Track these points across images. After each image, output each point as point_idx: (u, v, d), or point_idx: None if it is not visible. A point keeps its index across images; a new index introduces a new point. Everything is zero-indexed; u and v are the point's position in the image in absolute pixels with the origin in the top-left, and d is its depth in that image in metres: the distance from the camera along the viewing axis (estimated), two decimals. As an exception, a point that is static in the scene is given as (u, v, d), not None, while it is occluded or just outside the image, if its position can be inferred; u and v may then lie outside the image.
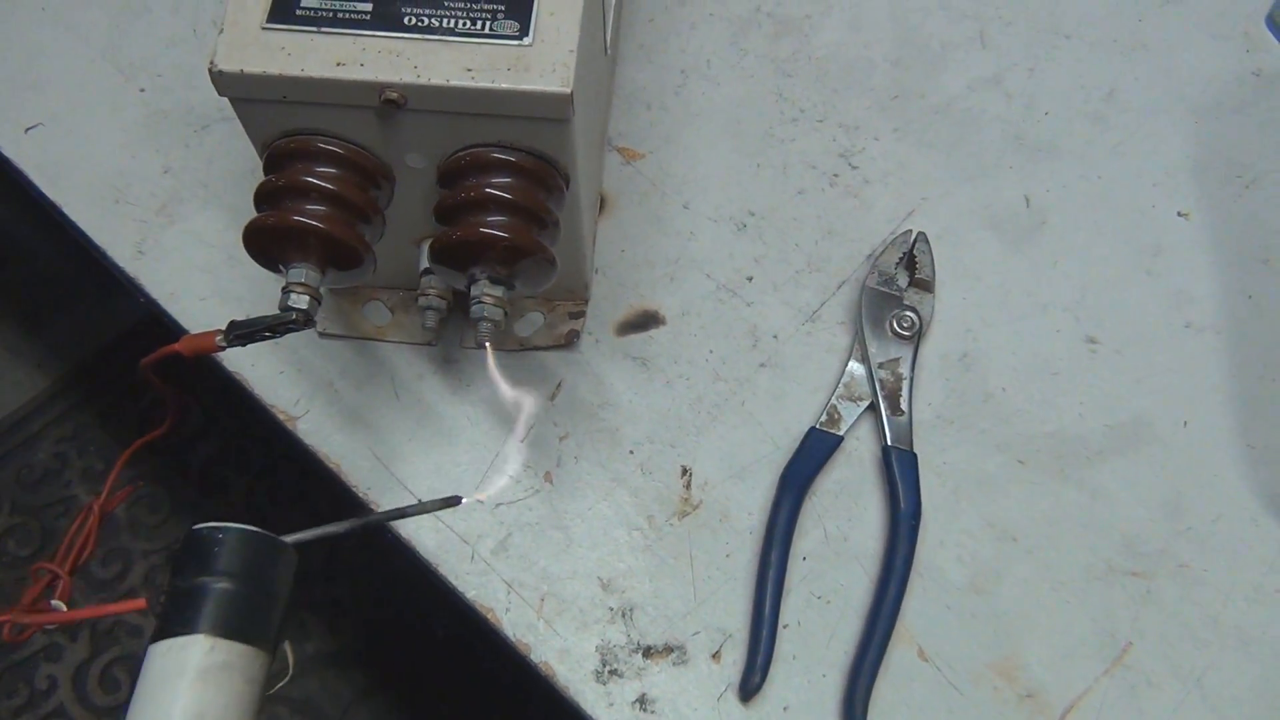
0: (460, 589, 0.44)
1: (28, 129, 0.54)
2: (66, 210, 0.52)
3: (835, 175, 0.53)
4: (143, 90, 0.55)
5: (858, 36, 0.57)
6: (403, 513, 0.40)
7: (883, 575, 0.44)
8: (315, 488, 1.18)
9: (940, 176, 0.53)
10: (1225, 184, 0.53)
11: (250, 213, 0.51)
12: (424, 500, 0.41)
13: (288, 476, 1.21)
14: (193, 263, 0.51)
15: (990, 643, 0.44)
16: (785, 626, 0.43)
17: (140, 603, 0.35)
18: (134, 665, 1.13)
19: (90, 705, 1.12)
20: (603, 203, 0.53)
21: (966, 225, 0.52)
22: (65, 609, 0.47)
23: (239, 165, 0.53)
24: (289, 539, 0.35)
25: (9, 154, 0.53)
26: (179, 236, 0.51)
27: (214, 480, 1.25)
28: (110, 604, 0.35)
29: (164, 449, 1.28)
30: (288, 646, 0.36)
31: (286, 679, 0.38)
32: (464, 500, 0.39)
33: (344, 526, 0.39)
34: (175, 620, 0.32)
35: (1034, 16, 0.57)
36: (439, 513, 0.45)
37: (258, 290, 0.50)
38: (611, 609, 0.44)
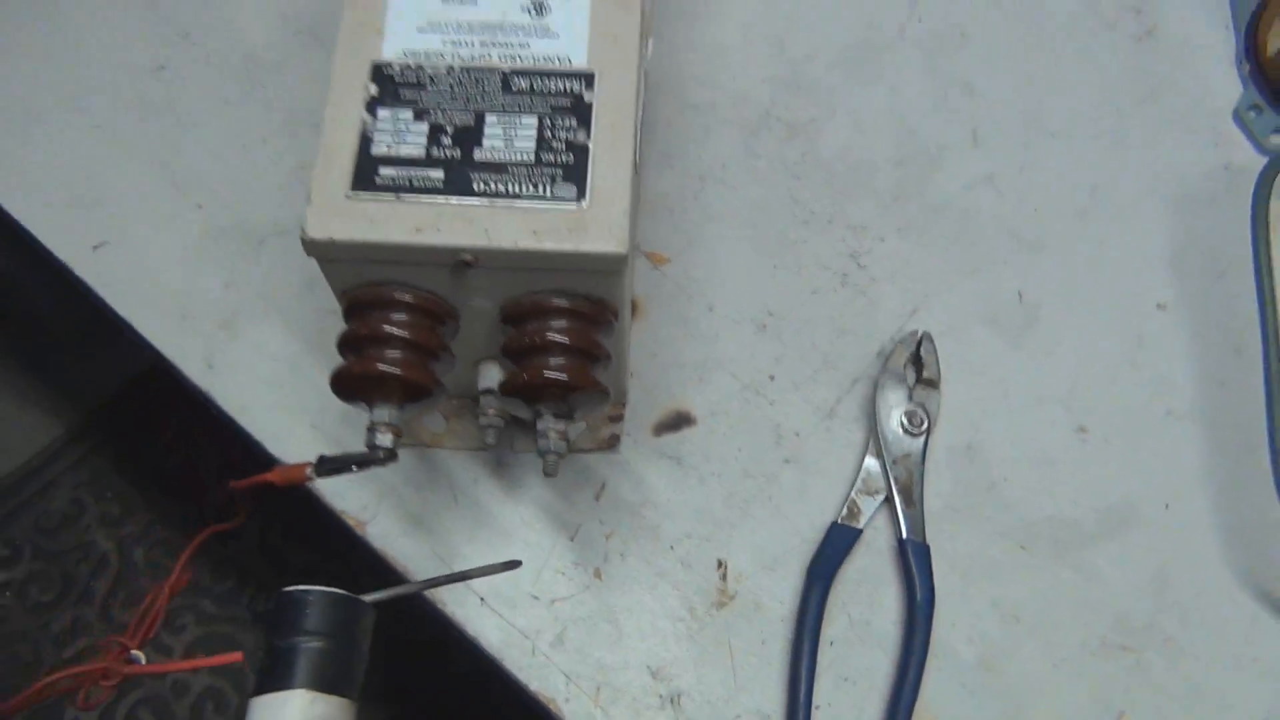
0: (524, 681, 0.48)
1: (95, 247, 0.58)
2: (137, 326, 0.56)
3: (845, 274, 0.58)
4: (200, 206, 0.59)
5: (861, 139, 0.62)
6: (467, 575, 0.45)
7: (902, 657, 0.49)
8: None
9: (941, 273, 0.58)
10: (1200, 275, 0.58)
11: (308, 325, 0.56)
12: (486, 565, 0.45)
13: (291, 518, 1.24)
14: (259, 375, 0.55)
15: (1000, 716, 0.49)
16: (818, 708, 0.48)
17: (237, 656, 0.39)
18: (158, 706, 1.16)
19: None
20: (635, 308, 0.57)
21: (966, 321, 0.57)
22: (144, 661, 0.50)
23: (296, 278, 0.57)
24: (368, 598, 0.40)
25: (80, 273, 0.57)
26: (244, 350, 0.55)
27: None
28: (209, 658, 0.40)
29: (176, 490, 1.31)
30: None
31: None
32: (522, 563, 0.44)
33: (415, 588, 0.45)
34: (275, 676, 0.37)
35: (1021, 116, 0.62)
36: (504, 611, 0.49)
37: (320, 400, 0.54)
38: (661, 696, 0.48)
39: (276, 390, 0.55)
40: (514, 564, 0.45)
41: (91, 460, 1.31)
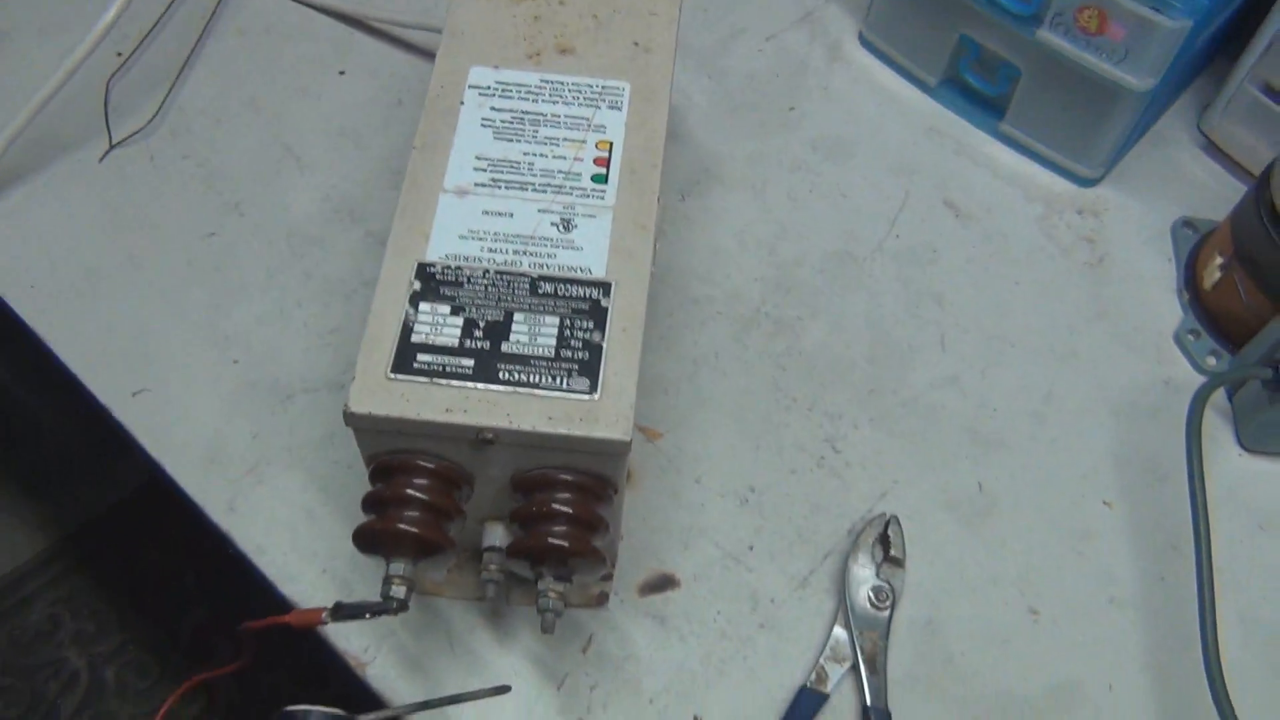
0: (509, 827, 0.52)
1: (134, 394, 0.63)
2: (168, 470, 0.60)
3: (822, 457, 0.64)
4: (236, 362, 0.64)
5: (839, 337, 0.68)
6: (458, 698, 0.48)
7: (863, 822, 0.53)
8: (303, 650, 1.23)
9: (909, 461, 0.64)
10: (1141, 478, 0.64)
11: (326, 476, 0.61)
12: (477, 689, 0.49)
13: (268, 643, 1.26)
14: (277, 519, 0.59)
15: None
16: None
17: None
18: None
19: None
20: (629, 476, 0.62)
21: (930, 507, 0.63)
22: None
23: (318, 433, 0.62)
24: (361, 718, 0.43)
25: (119, 416, 0.62)
26: (265, 495, 0.60)
27: (201, 647, 1.30)
28: None
29: (153, 611, 1.32)
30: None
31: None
32: (511, 689, 0.47)
33: (407, 710, 0.48)
34: None
35: (984, 326, 0.69)
36: (493, 760, 0.53)
37: (331, 547, 0.59)
38: None
39: (292, 535, 0.59)
40: (503, 689, 0.48)
41: (70, 578, 1.33)
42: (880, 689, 0.56)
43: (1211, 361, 0.68)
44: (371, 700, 0.55)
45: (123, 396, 0.63)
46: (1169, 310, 0.71)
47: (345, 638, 0.56)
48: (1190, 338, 0.69)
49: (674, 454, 0.63)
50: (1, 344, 0.74)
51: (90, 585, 1.33)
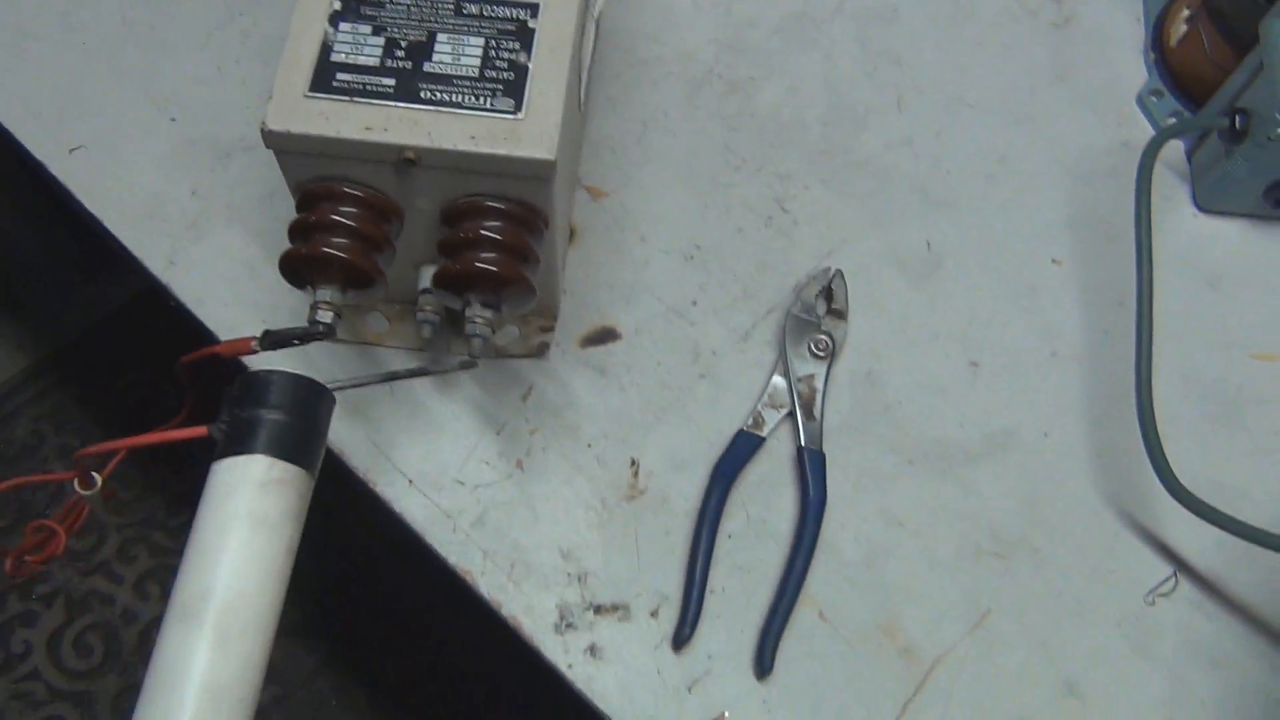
0: (443, 554, 0.53)
1: (71, 150, 0.62)
2: (106, 223, 0.60)
3: (770, 217, 0.63)
4: (173, 120, 0.63)
5: (794, 99, 0.67)
6: (426, 371, 0.50)
7: (793, 551, 0.54)
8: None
9: (858, 222, 0.63)
10: (1093, 237, 0.64)
11: (267, 233, 0.60)
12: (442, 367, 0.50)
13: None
14: (218, 274, 0.59)
15: (878, 607, 0.54)
16: (712, 592, 0.53)
17: (202, 430, 0.40)
18: (107, 632, 1.20)
19: (65, 669, 1.19)
20: (572, 233, 0.62)
21: (877, 264, 0.62)
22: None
23: (258, 190, 0.61)
24: (330, 385, 0.43)
25: (54, 171, 0.61)
26: (206, 251, 0.60)
27: (183, 458, 1.32)
28: (173, 431, 0.42)
29: (136, 426, 1.34)
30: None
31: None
32: (477, 364, 0.48)
33: (375, 379, 0.49)
34: (238, 442, 0.39)
35: (943, 87, 0.68)
36: (430, 492, 0.54)
37: (273, 299, 0.59)
38: (569, 574, 0.53)
39: (233, 288, 0.59)
40: (471, 363, 0.49)
41: (53, 395, 1.34)
42: (815, 433, 0.57)
43: (1172, 122, 0.66)
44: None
45: (59, 153, 0.62)
46: (1134, 71, 0.69)
47: (287, 385, 0.57)
48: (1153, 99, 0.67)
49: (619, 213, 0.63)
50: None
51: (73, 402, 1.35)
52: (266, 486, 0.39)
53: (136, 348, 1.35)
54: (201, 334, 0.59)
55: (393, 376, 0.48)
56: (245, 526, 0.38)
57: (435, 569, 0.54)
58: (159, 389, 1.34)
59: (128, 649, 1.21)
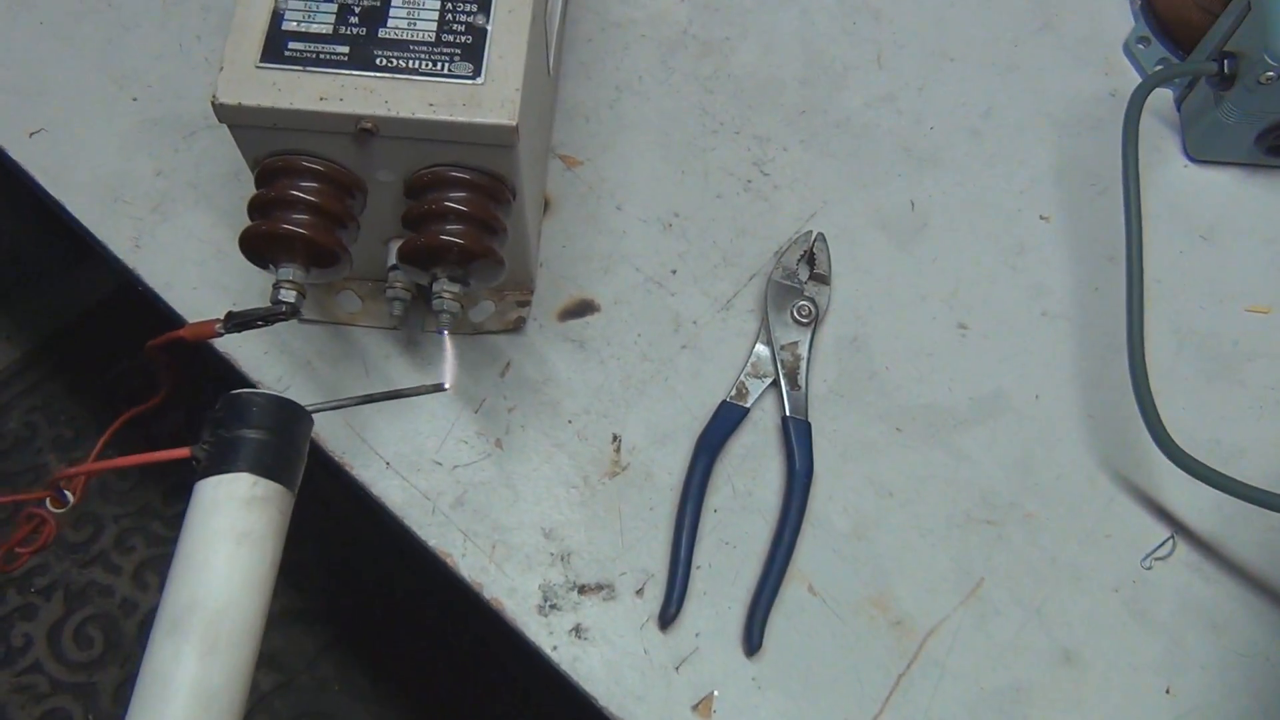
0: (423, 537, 0.52)
1: (31, 133, 0.60)
2: (69, 208, 0.58)
3: (749, 181, 0.62)
4: (135, 99, 0.61)
5: (771, 58, 0.65)
6: (399, 393, 0.49)
7: (780, 524, 0.53)
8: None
9: (839, 183, 0.62)
10: (1081, 191, 0.62)
11: (234, 212, 0.59)
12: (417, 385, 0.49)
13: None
14: (185, 256, 0.58)
15: (868, 579, 0.52)
16: (698, 568, 0.52)
17: (185, 451, 0.41)
18: (107, 623, 1.20)
19: (66, 661, 1.18)
20: (546, 204, 0.60)
21: (860, 226, 0.61)
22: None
23: (224, 169, 0.60)
24: (309, 406, 0.43)
25: (15, 156, 0.59)
26: (172, 232, 0.58)
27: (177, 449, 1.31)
28: (157, 452, 0.43)
29: (134, 421, 1.33)
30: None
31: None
32: (447, 387, 0.47)
33: (350, 402, 0.48)
34: (222, 461, 0.40)
35: (924, 41, 0.66)
36: (407, 474, 0.53)
37: (243, 281, 0.57)
38: (552, 554, 0.52)
39: (201, 270, 0.57)
40: (439, 387, 0.48)
41: (45, 385, 1.33)
42: (800, 402, 0.55)
43: (1159, 69, 0.64)
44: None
45: (19, 137, 0.60)
46: (1120, 18, 0.67)
47: (259, 367, 0.55)
48: (1140, 46, 0.65)
49: (594, 181, 0.61)
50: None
51: (65, 392, 1.34)
52: (250, 503, 0.40)
53: (126, 335, 1.34)
54: (172, 319, 0.57)
55: (368, 399, 0.48)
56: (230, 541, 0.39)
57: (417, 552, 0.53)
58: (151, 377, 1.33)
59: (128, 639, 1.20)
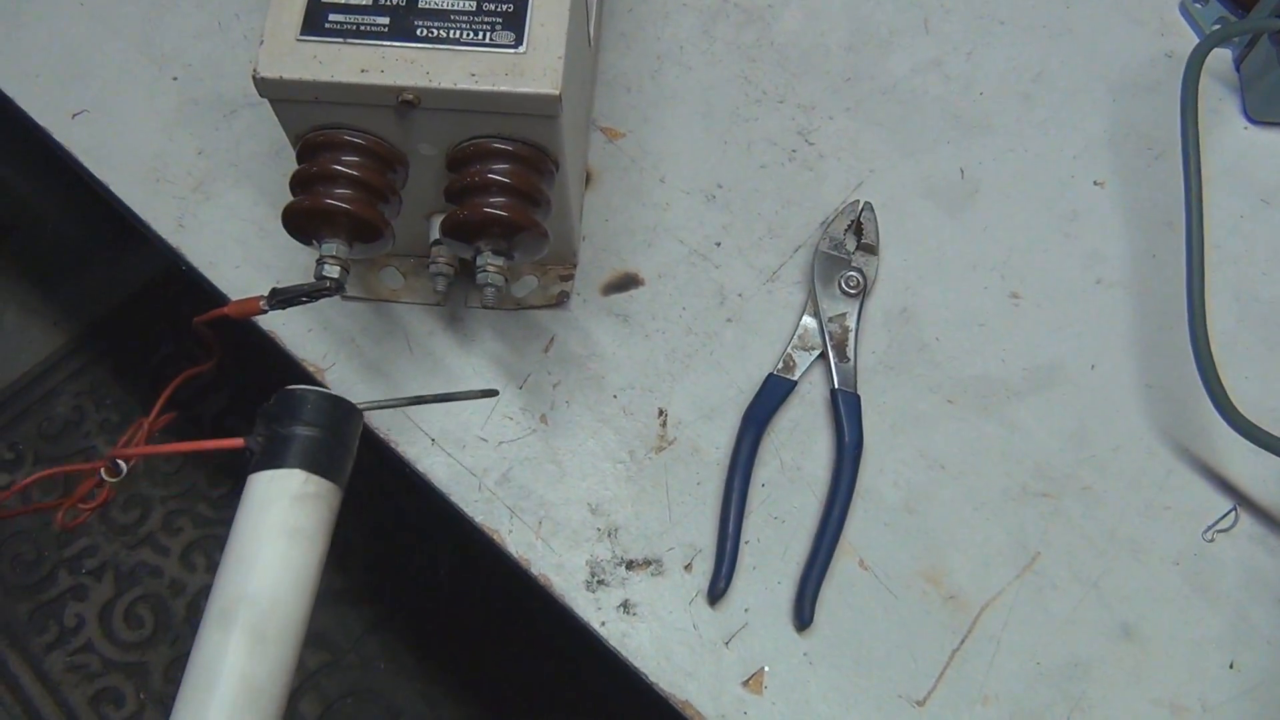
0: (470, 514, 0.51)
1: (74, 115, 0.60)
2: (114, 189, 0.58)
3: (793, 151, 0.60)
4: (175, 79, 0.61)
5: (815, 25, 0.64)
6: (449, 396, 0.49)
7: (829, 498, 0.52)
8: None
9: (886, 151, 0.60)
10: (1137, 156, 0.60)
11: (276, 190, 0.58)
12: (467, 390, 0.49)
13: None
14: (228, 234, 0.58)
15: (920, 554, 0.51)
16: (746, 543, 0.51)
17: (239, 441, 0.42)
18: (156, 603, 1.21)
19: (117, 641, 1.20)
20: (588, 177, 0.60)
21: (908, 195, 0.59)
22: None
23: (265, 147, 0.60)
24: (359, 404, 0.44)
25: (59, 138, 0.60)
26: (214, 211, 0.58)
27: (224, 430, 1.32)
28: (209, 440, 0.44)
29: (178, 402, 1.35)
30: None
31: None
32: (499, 393, 0.47)
33: (401, 403, 0.49)
34: (275, 456, 0.41)
35: (972, 4, 0.64)
36: (453, 451, 0.52)
37: (286, 258, 0.57)
38: (599, 529, 0.51)
39: (244, 249, 0.57)
40: (491, 392, 0.49)
41: (92, 370, 1.35)
42: (849, 374, 0.54)
43: (1217, 29, 0.62)
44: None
45: (62, 119, 0.60)
46: (1176, -23, 0.65)
47: (303, 345, 0.55)
48: (1196, 5, 0.63)
49: (636, 153, 0.60)
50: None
51: (111, 377, 1.35)
52: (301, 499, 0.41)
53: (171, 320, 1.35)
54: (216, 297, 0.57)
55: (418, 400, 0.48)
56: (281, 537, 0.40)
57: (463, 529, 0.52)
58: (196, 360, 1.34)
59: (177, 619, 1.22)
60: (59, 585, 1.23)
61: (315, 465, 0.41)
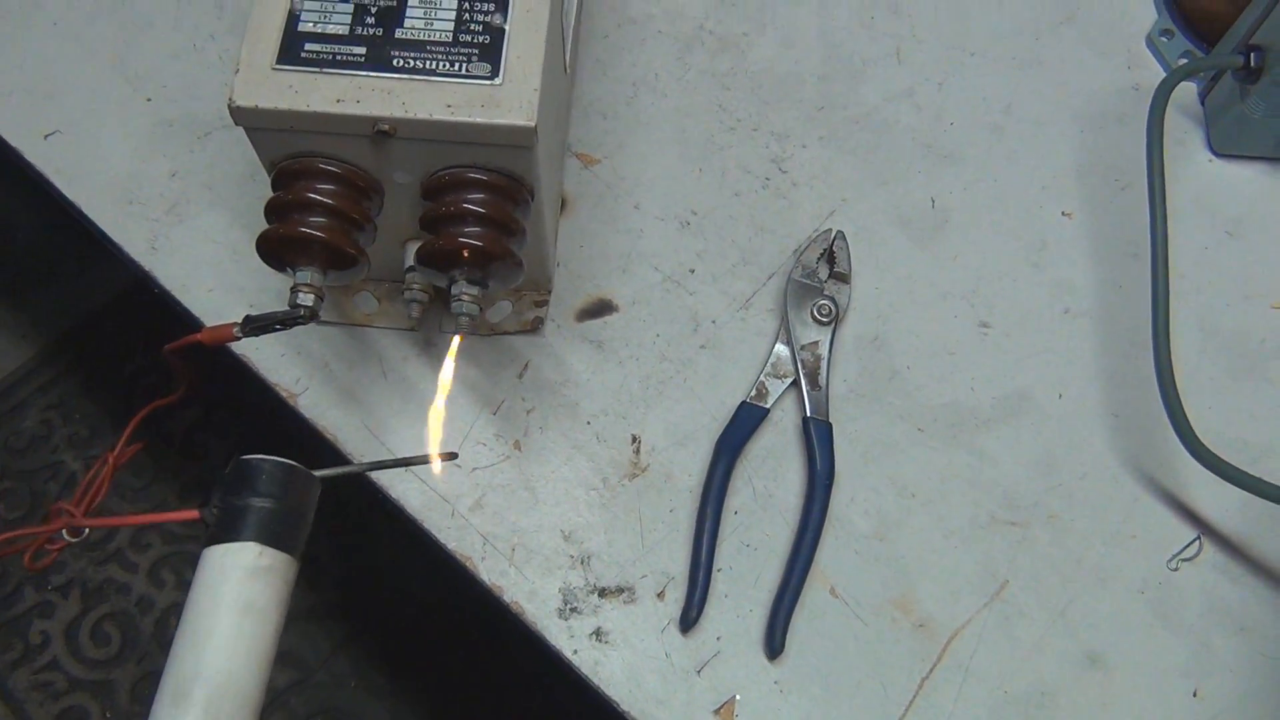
0: (442, 540, 0.51)
1: (46, 135, 0.60)
2: (85, 210, 0.58)
3: (767, 179, 0.61)
4: (149, 100, 0.61)
5: (789, 54, 0.64)
6: (409, 461, 0.49)
7: (801, 526, 0.52)
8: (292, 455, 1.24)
9: (858, 180, 0.61)
10: (1104, 187, 0.61)
11: (250, 214, 0.58)
12: (427, 453, 0.49)
13: (263, 445, 1.27)
14: (201, 258, 0.57)
15: (891, 582, 0.52)
16: (719, 570, 0.51)
17: (193, 513, 0.42)
18: (123, 621, 1.20)
19: (83, 659, 1.19)
20: (564, 203, 0.60)
21: (880, 223, 0.60)
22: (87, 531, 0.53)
23: (239, 169, 0.59)
24: (316, 473, 0.43)
25: (31, 158, 0.59)
26: (187, 234, 0.58)
27: (195, 446, 1.31)
28: (167, 513, 0.44)
29: (148, 418, 1.34)
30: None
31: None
32: (459, 455, 0.47)
33: (361, 468, 0.48)
34: (229, 529, 0.40)
35: (944, 35, 0.65)
36: (426, 477, 0.52)
37: (259, 281, 0.57)
38: (572, 556, 0.51)
39: (217, 272, 0.57)
40: (452, 455, 0.49)
41: (61, 383, 1.34)
42: (821, 402, 0.55)
43: (1183, 63, 0.63)
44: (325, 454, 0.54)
45: (34, 139, 0.60)
46: (1143, 10, 0.66)
47: (276, 370, 0.55)
48: (1163, 39, 0.64)
49: (611, 180, 0.61)
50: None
51: (80, 390, 1.34)
52: (255, 573, 0.40)
53: (141, 332, 1.34)
54: (188, 320, 0.57)
55: (378, 465, 0.48)
56: (234, 612, 0.40)
57: (435, 554, 0.52)
58: (165, 375, 1.33)
59: (145, 637, 1.21)
60: (25, 601, 1.21)
61: (270, 537, 0.41)
